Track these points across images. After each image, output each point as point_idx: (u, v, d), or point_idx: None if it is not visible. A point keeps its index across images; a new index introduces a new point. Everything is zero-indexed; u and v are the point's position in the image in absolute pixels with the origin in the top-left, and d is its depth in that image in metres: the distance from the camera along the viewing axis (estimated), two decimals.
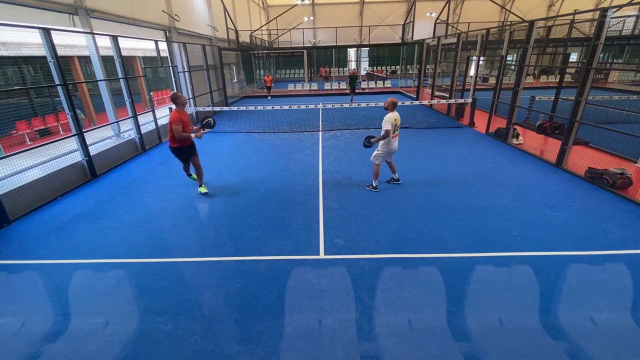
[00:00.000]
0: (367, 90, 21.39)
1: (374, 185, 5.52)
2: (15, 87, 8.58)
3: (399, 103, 12.65)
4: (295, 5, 24.88)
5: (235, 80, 21.65)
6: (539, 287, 3.21)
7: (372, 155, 5.38)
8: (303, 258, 3.80)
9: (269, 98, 19.53)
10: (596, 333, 2.67)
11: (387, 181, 5.86)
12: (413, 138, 9.11)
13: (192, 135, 5.20)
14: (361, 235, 4.22)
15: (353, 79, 16.07)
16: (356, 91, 17.21)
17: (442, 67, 15.85)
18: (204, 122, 5.29)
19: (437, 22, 18.13)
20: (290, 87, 23.05)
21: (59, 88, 6.02)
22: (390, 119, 5.04)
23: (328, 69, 31.12)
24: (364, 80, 23.96)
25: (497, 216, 4.59)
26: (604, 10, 5.51)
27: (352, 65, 32.68)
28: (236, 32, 18.73)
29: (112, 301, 3.19)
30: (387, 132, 5.02)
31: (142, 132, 8.66)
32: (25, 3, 6.24)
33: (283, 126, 11.15)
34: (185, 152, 5.41)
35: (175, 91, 5.37)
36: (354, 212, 4.84)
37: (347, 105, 13.12)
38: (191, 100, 12.32)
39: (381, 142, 5.25)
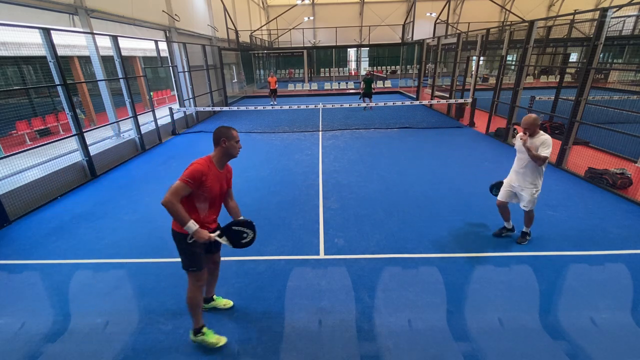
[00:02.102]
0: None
1: (529, 233, 3.97)
2: (15, 87, 8.58)
3: (399, 104, 12.73)
4: (295, 5, 24.88)
5: (235, 80, 21.64)
6: (539, 287, 3.21)
7: (531, 202, 3.64)
8: (303, 258, 3.79)
9: (275, 103, 15.62)
10: (596, 333, 2.67)
11: (498, 233, 4.11)
12: (413, 138, 9.12)
13: (189, 229, 2.26)
14: (361, 235, 4.22)
15: (368, 82, 13.55)
16: (353, 91, 15.80)
17: (441, 68, 15.81)
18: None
19: (437, 22, 18.13)
20: (290, 87, 23.07)
21: (59, 88, 6.02)
22: (551, 141, 3.43)
23: (293, 70, 32.34)
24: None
25: (498, 216, 4.56)
26: (604, 10, 5.51)
27: (353, 65, 32.67)
28: (236, 32, 18.73)
29: (112, 301, 3.19)
30: (546, 159, 3.42)
31: (142, 132, 8.67)
32: (25, 3, 6.24)
33: (283, 126, 11.15)
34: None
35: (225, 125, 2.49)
36: (354, 212, 4.84)
37: (347, 105, 13.14)
38: (191, 100, 12.33)
39: (538, 176, 3.59)
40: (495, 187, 4.10)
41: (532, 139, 3.47)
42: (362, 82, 13.86)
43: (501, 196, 3.89)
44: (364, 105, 13.71)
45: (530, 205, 3.67)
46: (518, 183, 3.70)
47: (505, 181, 3.89)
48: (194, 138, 10.08)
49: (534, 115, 3.43)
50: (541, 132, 3.48)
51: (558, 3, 28.17)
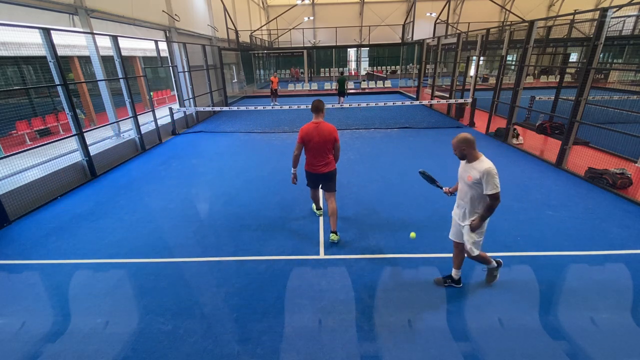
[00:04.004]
0: (367, 90, 21.40)
1: (495, 266, 3.22)
2: (15, 87, 8.58)
3: (399, 104, 12.64)
4: (295, 5, 24.88)
5: (235, 80, 21.63)
6: (539, 287, 3.21)
7: (470, 245, 2.92)
8: (303, 258, 3.79)
9: (276, 103, 15.19)
10: (596, 333, 2.67)
11: (440, 282, 3.30)
12: (413, 138, 9.11)
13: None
14: (361, 235, 4.21)
15: (341, 81, 14.11)
16: (349, 92, 15.19)
17: (441, 68, 15.80)
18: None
19: (437, 22, 18.13)
20: (291, 87, 23.06)
21: (59, 88, 6.02)
22: (495, 171, 2.65)
23: (299, 70, 29.74)
24: (363, 80, 23.94)
25: (497, 216, 4.54)
26: (604, 10, 5.51)
27: (352, 65, 32.65)
28: (236, 32, 18.72)
29: (112, 301, 3.19)
30: (497, 196, 2.69)
31: (142, 132, 8.66)
32: (25, 3, 6.24)
33: (283, 126, 11.15)
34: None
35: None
36: (354, 212, 4.84)
37: (347, 106, 13.15)
38: (191, 100, 12.33)
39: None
40: (424, 175, 3.29)
41: (469, 164, 2.77)
42: (337, 82, 14.20)
43: (451, 234, 3.14)
44: (337, 106, 13.60)
45: (469, 246, 2.91)
46: (458, 218, 2.99)
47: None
48: (194, 138, 10.08)
49: (464, 134, 2.72)
50: (482, 157, 2.72)
51: (558, 3, 28.16)
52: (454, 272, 3.22)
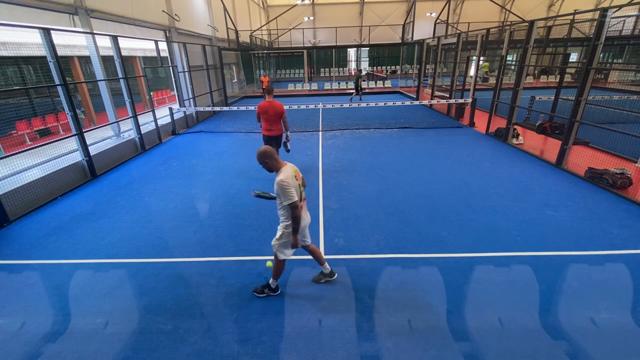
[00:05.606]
0: (367, 90, 21.38)
1: (272, 286, 3.15)
2: (15, 87, 8.58)
3: (399, 104, 12.67)
4: (295, 5, 24.88)
5: (235, 80, 21.63)
6: (539, 287, 3.21)
7: (275, 249, 3.01)
8: (303, 258, 3.79)
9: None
10: (596, 333, 2.67)
11: (317, 279, 3.38)
12: (413, 138, 9.11)
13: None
14: (361, 235, 4.21)
15: (356, 78, 16.61)
16: (350, 91, 16.91)
17: (441, 68, 15.81)
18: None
19: (437, 22, 18.13)
20: (290, 87, 23.05)
21: (59, 88, 6.02)
22: (289, 177, 2.77)
23: (269, 78, 21.69)
24: (364, 80, 23.96)
25: (497, 216, 4.59)
26: (604, 10, 5.51)
27: (352, 65, 32.66)
28: (236, 32, 18.72)
29: (112, 301, 3.19)
30: (294, 205, 2.73)
31: (142, 132, 8.66)
32: (25, 3, 6.24)
33: None
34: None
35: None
36: (354, 212, 4.84)
37: (347, 105, 13.17)
38: (191, 100, 12.33)
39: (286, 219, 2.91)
40: (258, 196, 3.39)
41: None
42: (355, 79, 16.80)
43: None
44: (355, 105, 13.89)
45: (274, 249, 2.99)
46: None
47: None
48: (194, 138, 10.08)
49: (262, 147, 2.86)
50: (282, 168, 2.82)
51: (558, 3, 28.17)
52: (322, 268, 3.33)
